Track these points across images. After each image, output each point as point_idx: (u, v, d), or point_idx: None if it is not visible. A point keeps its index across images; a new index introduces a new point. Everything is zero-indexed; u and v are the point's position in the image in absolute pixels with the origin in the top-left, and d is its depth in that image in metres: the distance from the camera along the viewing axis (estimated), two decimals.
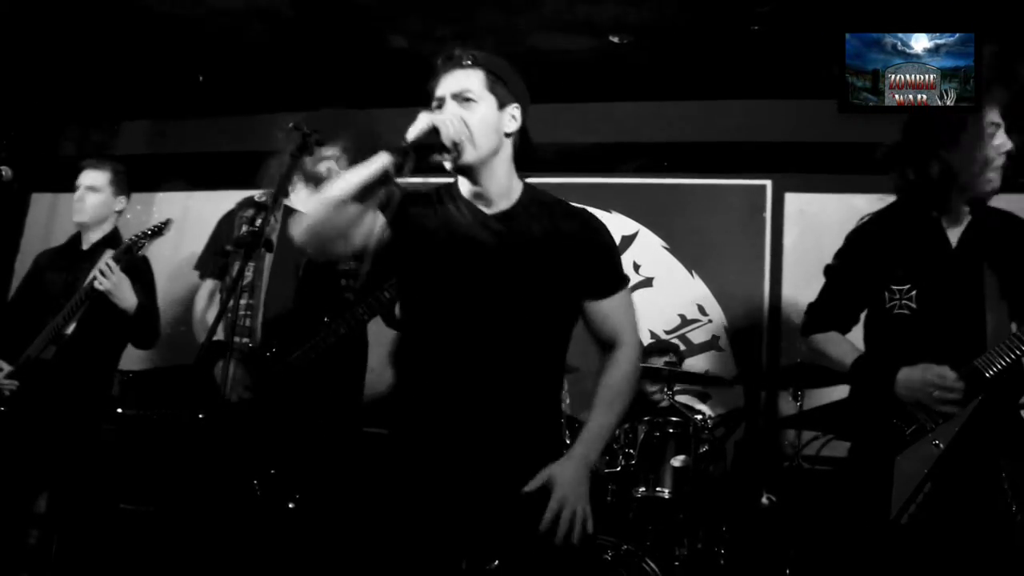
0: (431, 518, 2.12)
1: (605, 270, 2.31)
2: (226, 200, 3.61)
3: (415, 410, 2.22)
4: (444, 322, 2.19)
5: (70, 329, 3.65)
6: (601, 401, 2.24)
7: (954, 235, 2.63)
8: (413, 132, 2.11)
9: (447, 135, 2.12)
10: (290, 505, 3.13)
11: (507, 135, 2.26)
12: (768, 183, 5.27)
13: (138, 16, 4.65)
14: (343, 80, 4.98)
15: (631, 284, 5.16)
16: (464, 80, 2.22)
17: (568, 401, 4.52)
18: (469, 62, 2.23)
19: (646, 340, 5.18)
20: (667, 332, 5.20)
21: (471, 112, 2.19)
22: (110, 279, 3.53)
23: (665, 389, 4.12)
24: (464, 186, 2.29)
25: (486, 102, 2.21)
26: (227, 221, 3.50)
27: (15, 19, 4.69)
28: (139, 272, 3.74)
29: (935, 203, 2.62)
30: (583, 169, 5.43)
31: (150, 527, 3.66)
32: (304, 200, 3.37)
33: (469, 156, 2.18)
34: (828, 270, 2.82)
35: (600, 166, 5.45)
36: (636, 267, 5.31)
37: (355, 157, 3.33)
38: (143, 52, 5.02)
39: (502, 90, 2.24)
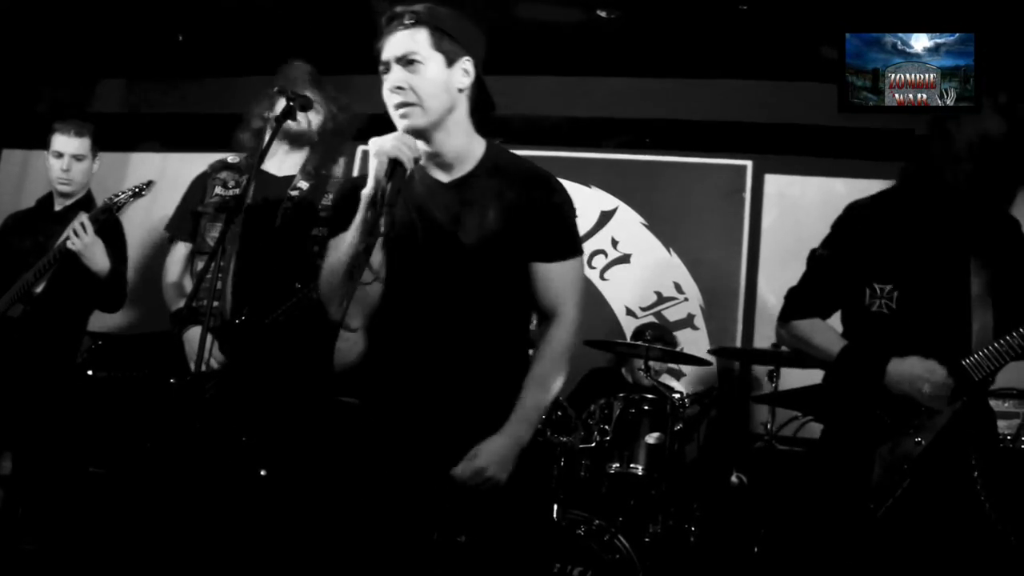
0: (401, 489, 2.12)
1: (553, 233, 2.23)
2: (202, 162, 3.54)
3: (380, 383, 2.22)
4: (402, 294, 2.19)
5: (39, 288, 3.58)
6: (534, 379, 2.19)
7: (942, 233, 2.58)
8: (376, 180, 2.06)
9: (407, 158, 2.07)
10: (262, 472, 3.11)
11: (460, 91, 2.19)
12: (749, 163, 5.27)
13: None
14: (324, 44, 4.90)
15: (609, 260, 5.26)
16: (408, 42, 2.13)
17: None
18: (411, 20, 2.14)
19: (623, 317, 5.19)
20: (643, 309, 5.20)
21: (418, 75, 2.12)
22: (83, 239, 3.47)
23: (641, 368, 4.13)
24: (421, 148, 2.19)
25: (433, 61, 2.13)
26: (199, 184, 3.42)
27: None
28: (112, 234, 3.67)
29: (935, 198, 2.59)
30: (564, 143, 5.40)
31: (117, 490, 3.63)
32: (278, 163, 3.32)
33: (419, 120, 2.13)
34: (813, 257, 2.78)
35: (582, 140, 5.43)
36: (614, 243, 5.30)
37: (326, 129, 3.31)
38: (121, 9, 4.91)
39: (449, 45, 2.15)
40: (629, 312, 5.21)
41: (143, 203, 3.76)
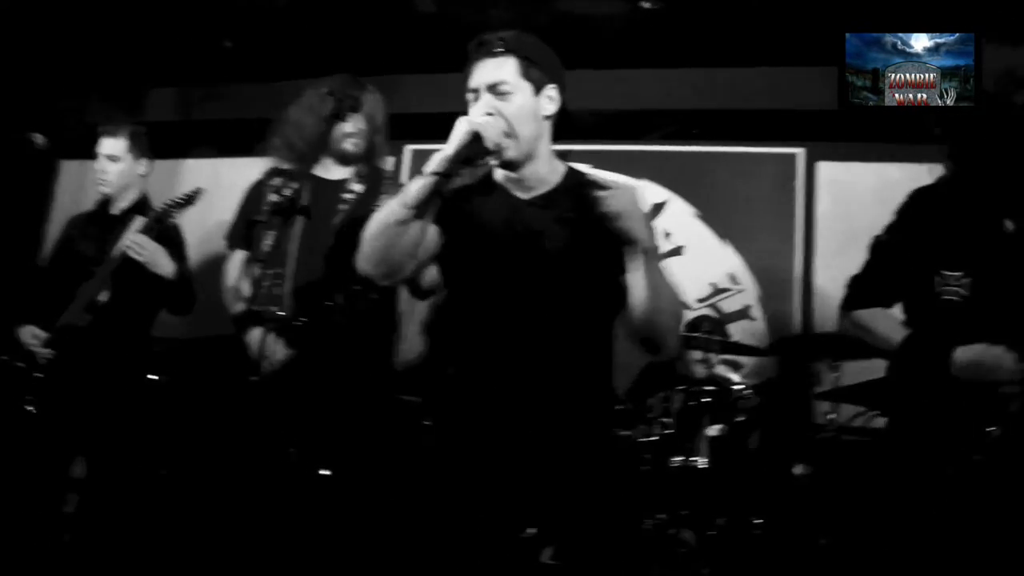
0: (488, 491, 2.12)
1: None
2: (254, 168, 3.58)
3: (461, 390, 2.21)
4: (483, 310, 2.18)
5: (103, 296, 3.65)
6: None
7: (1010, 220, 2.49)
8: (454, 143, 2.06)
9: (490, 138, 2.08)
10: (323, 472, 3.14)
11: (546, 118, 2.23)
12: (800, 151, 5.21)
13: None
14: (371, 46, 4.94)
15: (661, 251, 5.21)
16: (497, 71, 2.17)
17: None
18: (500, 49, 2.17)
19: None
20: (699, 301, 5.17)
21: (508, 103, 2.15)
22: (146, 251, 3.54)
23: (700, 360, 4.11)
24: (499, 173, 2.25)
25: (522, 91, 2.17)
26: (255, 191, 3.46)
27: None
28: (171, 240, 3.74)
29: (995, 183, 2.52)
30: (613, 136, 5.39)
31: (186, 492, 3.69)
32: (328, 168, 3.34)
33: (512, 152, 2.16)
34: (876, 244, 2.71)
35: (630, 133, 5.42)
36: (667, 235, 5.27)
37: (374, 131, 3.32)
38: (170, 18, 4.99)
39: (536, 73, 2.19)
40: (684, 305, 5.18)
41: (198, 209, 3.81)
